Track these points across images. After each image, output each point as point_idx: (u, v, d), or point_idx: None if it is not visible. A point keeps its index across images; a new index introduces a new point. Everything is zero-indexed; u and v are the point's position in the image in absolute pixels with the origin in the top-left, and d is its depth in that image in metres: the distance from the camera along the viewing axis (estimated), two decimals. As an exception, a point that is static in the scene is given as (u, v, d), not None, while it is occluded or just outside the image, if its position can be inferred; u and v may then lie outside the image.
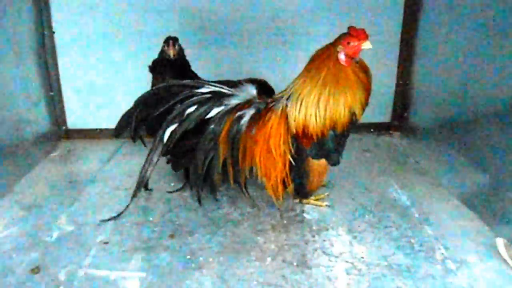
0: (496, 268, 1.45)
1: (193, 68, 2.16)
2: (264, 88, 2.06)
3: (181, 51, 2.08)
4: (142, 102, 1.71)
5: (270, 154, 1.69)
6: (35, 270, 1.45)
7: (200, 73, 2.13)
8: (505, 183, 1.61)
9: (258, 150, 1.70)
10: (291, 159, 1.70)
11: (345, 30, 1.61)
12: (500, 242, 1.52)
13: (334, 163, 1.74)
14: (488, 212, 1.69)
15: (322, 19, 2.47)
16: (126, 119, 1.72)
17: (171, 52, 2.03)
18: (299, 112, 1.64)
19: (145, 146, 1.86)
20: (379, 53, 2.41)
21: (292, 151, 1.69)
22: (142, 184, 1.74)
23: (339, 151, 1.72)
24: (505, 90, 1.63)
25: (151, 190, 1.96)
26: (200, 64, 2.28)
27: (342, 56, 1.59)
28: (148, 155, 1.69)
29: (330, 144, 1.67)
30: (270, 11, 2.47)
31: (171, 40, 2.03)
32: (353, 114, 1.63)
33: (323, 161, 1.72)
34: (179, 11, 2.44)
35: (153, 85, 2.09)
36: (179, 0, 2.43)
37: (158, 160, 1.69)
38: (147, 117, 1.71)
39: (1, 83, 1.99)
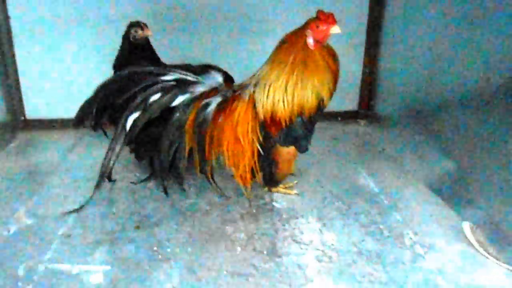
0: (463, 252, 1.47)
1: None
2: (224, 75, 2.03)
3: None
4: (103, 90, 1.64)
5: (238, 143, 1.66)
6: (-8, 266, 1.39)
7: (165, 60, 2.07)
8: (470, 169, 1.63)
9: (226, 139, 1.67)
10: (259, 147, 1.67)
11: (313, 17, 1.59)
12: (466, 226, 1.54)
13: (303, 150, 1.72)
14: (455, 197, 1.71)
15: (290, 6, 2.45)
16: (86, 108, 1.65)
17: (149, 33, 1.96)
18: (267, 98, 1.61)
19: (106, 136, 1.81)
20: (345, 41, 2.44)
21: (260, 139, 1.66)
22: (105, 175, 1.68)
23: (307, 138, 1.71)
24: (470, 78, 1.65)
25: (114, 181, 1.90)
26: (164, 51, 2.21)
27: (310, 40, 1.57)
28: (110, 144, 1.64)
29: (298, 130, 1.65)
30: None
31: (143, 23, 1.97)
32: (320, 99, 1.61)
33: (292, 148, 1.71)
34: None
35: None
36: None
37: (121, 149, 1.64)
38: (109, 105, 1.66)
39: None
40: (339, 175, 2.01)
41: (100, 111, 1.66)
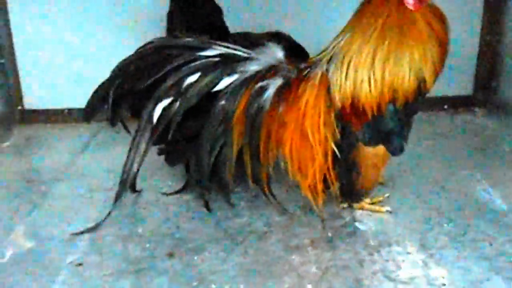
0: None
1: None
2: (291, 47, 2.05)
3: None
4: (123, 71, 1.68)
5: (306, 141, 1.65)
6: (-20, 303, 1.43)
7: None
8: None
9: (289, 136, 1.67)
10: (335, 148, 1.65)
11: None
12: None
13: (397, 151, 1.69)
14: None
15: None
16: (100, 95, 1.69)
17: None
18: (346, 78, 1.60)
19: (128, 132, 1.83)
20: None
21: (337, 135, 1.65)
22: (128, 184, 1.72)
23: (402, 134, 1.68)
24: None
25: (140, 191, 1.93)
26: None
27: None
28: (133, 142, 1.67)
29: (389, 123, 1.63)
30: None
31: None
32: (422, 80, 1.58)
33: (380, 148, 1.68)
34: None
35: None
36: None
37: (147, 149, 1.67)
38: (131, 91, 1.68)
39: None
40: (448, 185, 1.96)
41: (119, 98, 1.68)
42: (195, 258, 1.58)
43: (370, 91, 1.58)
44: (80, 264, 1.56)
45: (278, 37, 2.01)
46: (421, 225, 1.72)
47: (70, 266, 1.55)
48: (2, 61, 2.46)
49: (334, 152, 1.65)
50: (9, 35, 2.47)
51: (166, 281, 1.49)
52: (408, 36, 1.55)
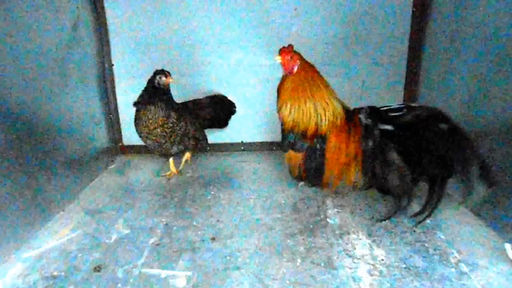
0: (507, 271, 1.34)
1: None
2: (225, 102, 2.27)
3: None
4: None
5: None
6: (97, 268, 1.41)
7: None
8: (510, 192, 1.49)
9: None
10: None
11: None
12: (508, 247, 1.41)
13: None
14: (496, 219, 1.57)
15: (338, 53, 2.39)
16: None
17: (171, 81, 1.94)
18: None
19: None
20: (387, 80, 2.35)
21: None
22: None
23: None
24: (504, 111, 1.53)
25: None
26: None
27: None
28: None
29: None
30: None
31: (167, 72, 1.94)
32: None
33: None
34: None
35: (136, 118, 2.00)
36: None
37: None
38: None
39: (70, 107, 1.98)
40: (385, 197, 1.88)
41: None
42: (228, 241, 1.56)
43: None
44: (158, 244, 1.55)
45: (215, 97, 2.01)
46: (368, 221, 1.69)
47: (152, 246, 1.54)
48: (111, 115, 2.47)
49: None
50: (115, 101, 2.48)
51: (211, 256, 1.47)
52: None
